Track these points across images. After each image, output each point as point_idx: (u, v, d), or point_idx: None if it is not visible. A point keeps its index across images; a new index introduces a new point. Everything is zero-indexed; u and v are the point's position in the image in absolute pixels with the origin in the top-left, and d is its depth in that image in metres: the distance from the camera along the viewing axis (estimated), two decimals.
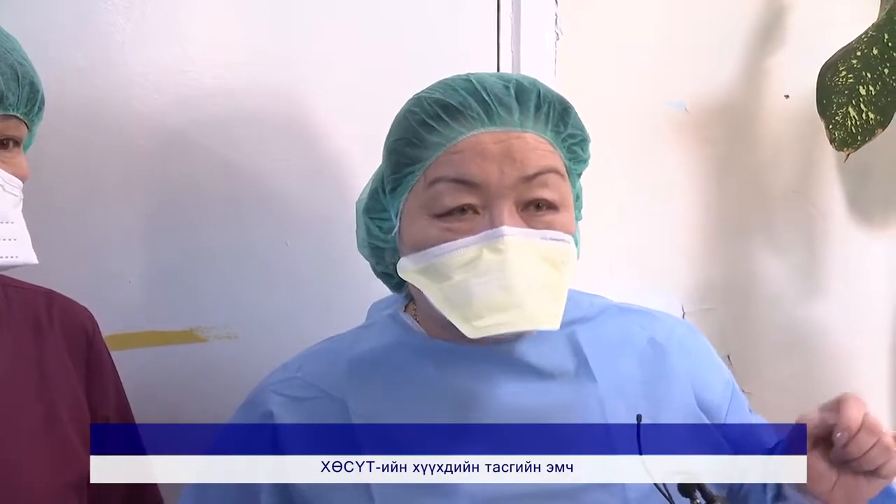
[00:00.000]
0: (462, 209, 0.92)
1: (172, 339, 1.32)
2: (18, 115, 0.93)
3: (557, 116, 0.96)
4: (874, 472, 0.89)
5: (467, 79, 0.95)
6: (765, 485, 1.00)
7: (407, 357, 1.00)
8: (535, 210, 0.93)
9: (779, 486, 0.96)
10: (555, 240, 0.93)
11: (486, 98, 0.93)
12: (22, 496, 0.94)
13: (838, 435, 0.87)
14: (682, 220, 1.73)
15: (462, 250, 0.91)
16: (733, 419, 1.05)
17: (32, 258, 0.95)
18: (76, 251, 1.25)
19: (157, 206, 1.30)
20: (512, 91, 0.94)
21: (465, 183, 0.91)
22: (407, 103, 0.98)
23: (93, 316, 1.12)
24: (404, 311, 1.07)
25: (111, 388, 1.11)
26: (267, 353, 1.18)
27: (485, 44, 1.54)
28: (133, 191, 1.28)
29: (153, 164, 1.29)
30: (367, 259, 1.08)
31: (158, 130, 1.29)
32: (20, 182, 0.96)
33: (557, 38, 1.58)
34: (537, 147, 0.93)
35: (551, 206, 0.94)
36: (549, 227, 0.93)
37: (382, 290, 1.13)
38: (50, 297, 1.09)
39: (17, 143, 0.95)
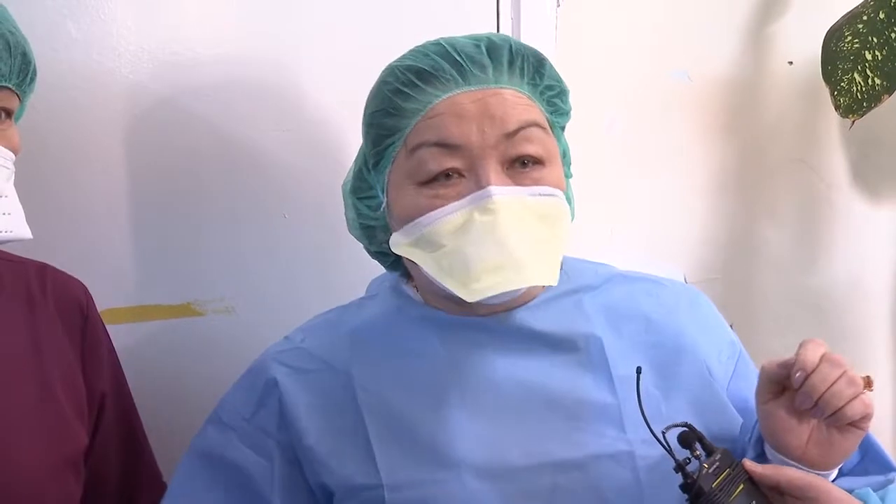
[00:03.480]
0: (447, 174, 0.91)
1: (170, 313, 1.31)
2: (10, 86, 0.92)
3: (532, 69, 0.95)
4: (841, 416, 0.85)
5: (437, 42, 0.94)
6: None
7: (409, 328, 1.00)
8: (521, 167, 0.92)
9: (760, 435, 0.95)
10: (544, 195, 0.92)
11: (458, 58, 0.92)
12: (17, 473, 0.93)
13: (796, 375, 0.85)
14: (684, 189, 1.71)
15: (451, 216, 0.90)
16: (738, 383, 1.04)
17: (27, 233, 0.93)
18: (71, 224, 1.24)
19: (153, 177, 1.29)
20: (483, 49, 0.93)
21: (446, 146, 0.90)
22: (380, 75, 0.97)
23: (87, 289, 1.11)
24: (406, 283, 1.06)
25: (107, 363, 1.10)
26: (265, 327, 1.18)
27: (484, 12, 1.52)
28: (128, 162, 1.27)
29: (148, 134, 1.27)
30: (359, 240, 1.07)
31: (153, 100, 1.27)
32: (13, 155, 0.94)
33: (558, 6, 1.55)
34: (516, 102, 0.92)
35: (537, 162, 0.92)
36: (537, 182, 0.92)
37: (378, 263, 1.12)
38: (43, 270, 1.07)
39: (8, 114, 0.94)
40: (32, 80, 0.96)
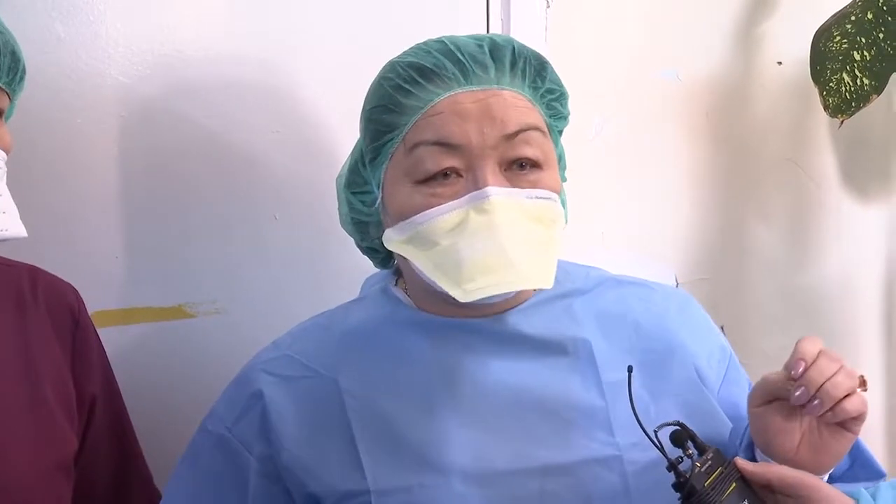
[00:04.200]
0: (445, 173, 0.90)
1: (161, 316, 1.31)
2: (0, 84, 0.91)
3: (534, 72, 0.95)
4: (839, 411, 0.83)
5: (440, 41, 0.94)
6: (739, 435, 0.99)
7: (398, 332, 0.99)
8: (519, 169, 0.92)
9: (751, 439, 0.94)
10: (541, 198, 0.92)
11: (461, 57, 0.91)
12: (6, 476, 0.93)
13: (797, 366, 0.83)
14: (675, 190, 1.72)
15: (448, 215, 0.90)
16: (729, 388, 1.04)
17: (22, 231, 0.93)
18: (61, 226, 1.23)
19: (143, 178, 1.28)
20: (486, 49, 0.93)
21: (445, 145, 0.90)
22: (381, 70, 0.97)
23: (78, 292, 1.10)
24: (395, 285, 1.05)
25: (97, 366, 1.10)
26: (257, 329, 1.18)
27: (474, 13, 1.52)
28: (118, 164, 1.26)
29: (137, 135, 1.27)
30: (350, 235, 1.06)
31: (142, 101, 1.26)
32: (4, 154, 0.94)
33: (548, 7, 1.56)
34: (516, 104, 0.92)
35: (535, 165, 0.92)
36: (535, 185, 0.92)
37: (371, 264, 1.12)
38: (34, 273, 1.07)
39: None
40: (22, 78, 0.95)
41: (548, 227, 0.92)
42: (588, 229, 1.60)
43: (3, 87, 0.92)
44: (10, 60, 0.92)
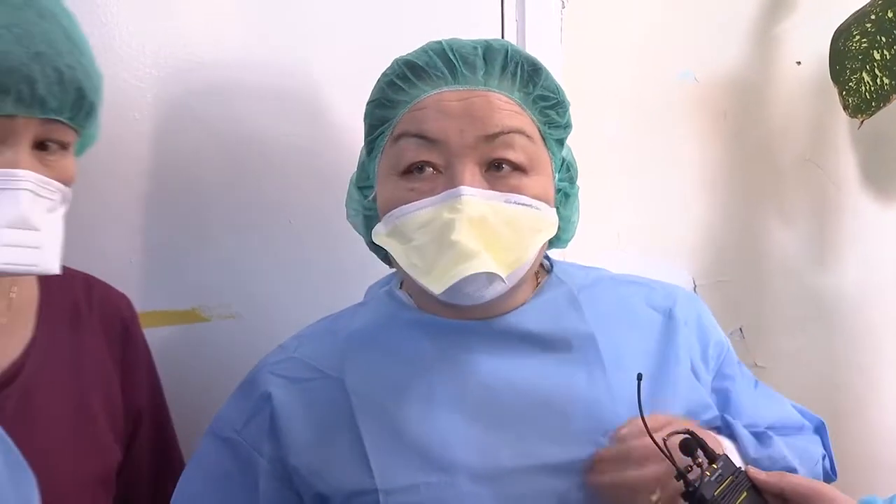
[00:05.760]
0: (421, 167, 0.92)
1: (175, 319, 1.31)
2: (62, 119, 0.91)
3: (526, 76, 0.95)
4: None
5: (440, 42, 0.96)
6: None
7: (400, 332, 1.00)
8: (498, 171, 0.92)
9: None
10: (521, 204, 0.92)
11: (452, 57, 0.93)
12: (46, 485, 0.92)
13: None
14: (693, 191, 1.71)
15: (422, 211, 0.91)
16: (720, 384, 1.05)
17: (54, 268, 0.92)
18: (75, 229, 1.22)
19: (157, 183, 1.28)
20: (480, 51, 0.94)
21: (425, 139, 0.92)
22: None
23: (130, 303, 1.12)
24: (399, 288, 1.06)
25: (145, 380, 1.11)
26: (270, 332, 1.17)
27: (489, 14, 1.52)
28: (131, 168, 1.26)
29: (151, 139, 1.27)
30: (358, 231, 1.07)
31: (156, 104, 1.27)
32: (62, 185, 0.93)
33: (563, 7, 1.55)
34: (502, 107, 0.93)
35: (518, 168, 0.92)
36: (515, 190, 0.92)
37: (384, 269, 1.11)
38: (89, 282, 1.08)
39: (62, 146, 0.93)
40: (88, 114, 0.94)
41: (521, 233, 0.92)
42: (604, 231, 1.59)
43: (66, 121, 0.91)
44: (76, 96, 0.91)
